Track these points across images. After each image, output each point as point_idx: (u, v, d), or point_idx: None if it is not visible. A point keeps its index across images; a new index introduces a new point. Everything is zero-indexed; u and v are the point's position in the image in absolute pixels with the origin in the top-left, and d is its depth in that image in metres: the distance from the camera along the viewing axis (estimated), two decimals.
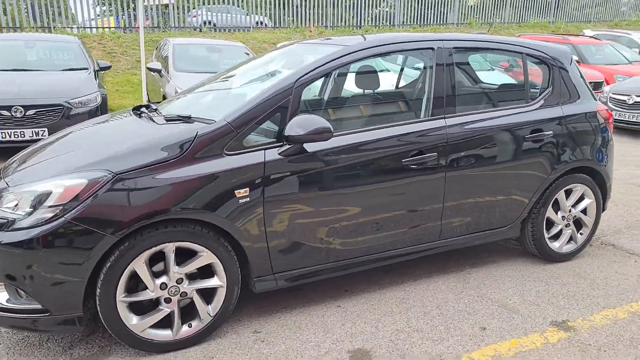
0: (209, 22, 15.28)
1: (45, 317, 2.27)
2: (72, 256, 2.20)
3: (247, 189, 2.44)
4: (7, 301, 2.30)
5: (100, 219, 2.21)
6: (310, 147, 2.54)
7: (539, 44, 3.39)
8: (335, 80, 3.03)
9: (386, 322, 2.72)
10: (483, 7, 19.22)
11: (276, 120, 2.55)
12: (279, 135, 2.54)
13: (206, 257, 2.43)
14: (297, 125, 2.45)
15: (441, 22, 18.78)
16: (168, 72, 7.71)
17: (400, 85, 3.04)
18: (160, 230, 2.31)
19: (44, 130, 6.22)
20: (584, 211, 3.51)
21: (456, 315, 2.79)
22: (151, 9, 14.89)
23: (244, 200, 2.43)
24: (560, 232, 3.45)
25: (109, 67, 7.82)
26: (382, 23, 17.89)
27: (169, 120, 2.72)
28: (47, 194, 2.21)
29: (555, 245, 3.44)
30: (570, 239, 3.50)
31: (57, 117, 6.29)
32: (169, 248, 2.36)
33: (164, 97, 7.47)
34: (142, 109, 3.08)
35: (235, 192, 2.42)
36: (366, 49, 2.81)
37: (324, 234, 2.67)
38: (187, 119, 2.64)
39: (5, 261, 2.22)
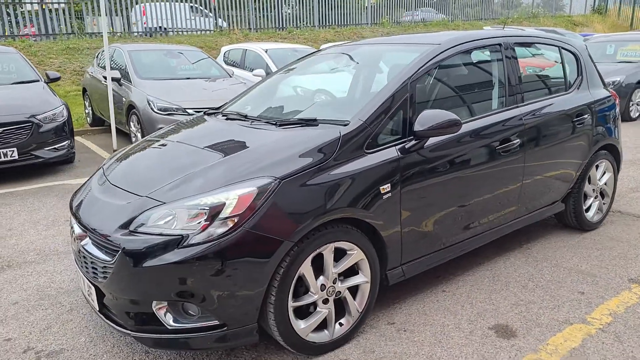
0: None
1: (223, 332, 2.19)
2: (253, 266, 2.14)
3: (389, 184, 2.53)
4: (174, 322, 2.18)
5: (275, 226, 2.18)
6: (431, 139, 2.69)
7: (566, 38, 3.84)
8: (434, 76, 3.18)
9: (498, 299, 2.94)
10: (390, 7, 20.30)
11: (399, 117, 2.65)
12: (404, 131, 2.65)
13: (356, 254, 2.48)
14: (426, 120, 2.58)
15: (356, 23, 19.55)
16: (131, 81, 7.28)
17: (482, 79, 3.28)
18: (322, 232, 2.32)
19: (13, 150, 5.61)
20: (606, 183, 4.03)
21: (550, 285, 3.10)
22: (36, 14, 13.65)
23: (387, 195, 2.52)
24: (591, 204, 3.94)
25: (58, 78, 7.20)
26: (303, 24, 18.17)
27: (287, 124, 2.70)
28: (222, 205, 2.12)
29: (589, 215, 3.92)
30: (598, 209, 4.00)
31: (26, 135, 5.72)
32: (329, 249, 2.37)
33: (131, 107, 7.07)
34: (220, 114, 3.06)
35: (380, 188, 2.49)
36: (456, 46, 3.01)
37: (444, 219, 2.84)
38: (312, 122, 2.65)
39: (179, 279, 2.10)
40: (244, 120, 2.99)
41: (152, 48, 8.51)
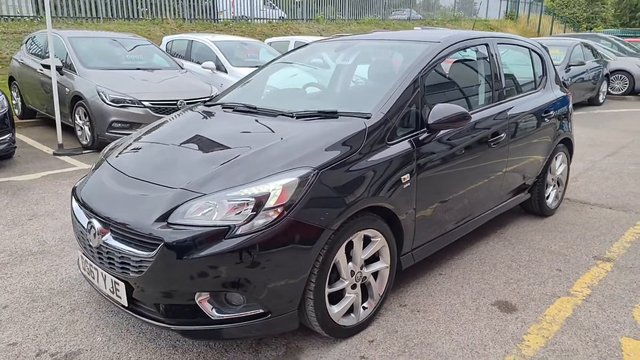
0: None
1: (267, 320, 2.22)
2: (297, 254, 2.20)
3: (408, 174, 2.68)
4: (217, 312, 2.18)
5: (316, 215, 2.25)
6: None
7: (533, 40, 4.22)
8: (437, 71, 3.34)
9: (490, 279, 3.21)
10: (323, 5, 20.59)
11: (413, 110, 2.81)
12: (416, 124, 2.81)
13: (380, 241, 2.61)
14: (439, 113, 2.76)
15: (291, 18, 19.62)
16: (74, 70, 6.85)
17: (475, 75, 3.52)
18: (354, 220, 2.42)
19: None
20: (561, 173, 4.48)
21: (530, 264, 3.43)
22: None
23: (407, 184, 2.67)
24: (550, 192, 4.36)
25: None
26: (239, 18, 17.91)
27: (306, 116, 2.76)
28: (267, 196, 2.15)
29: (549, 202, 4.34)
30: (555, 196, 4.44)
31: None
32: (359, 237, 2.48)
33: (77, 98, 6.67)
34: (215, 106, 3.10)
35: (402, 177, 2.64)
36: (454, 44, 3.21)
37: (447, 205, 3.04)
38: (332, 114, 2.73)
39: (227, 269, 2.11)
40: (255, 113, 3.00)
41: (93, 35, 8.05)
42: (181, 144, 2.74)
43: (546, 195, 4.28)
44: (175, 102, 6.54)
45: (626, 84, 12.79)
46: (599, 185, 5.32)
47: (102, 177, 2.66)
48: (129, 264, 2.24)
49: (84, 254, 2.57)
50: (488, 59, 3.48)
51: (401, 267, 2.85)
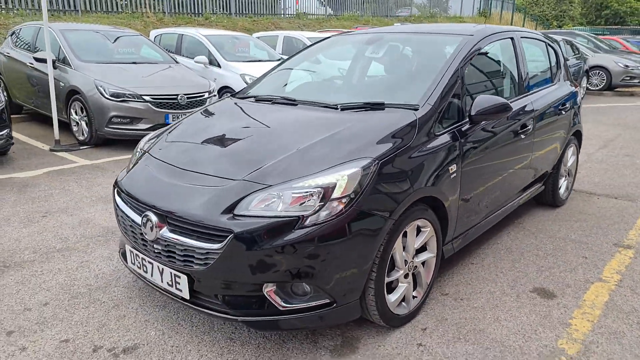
0: None
1: (332, 310, 2.24)
2: (363, 244, 2.22)
3: (455, 164, 2.73)
4: (285, 302, 2.18)
5: (380, 204, 2.27)
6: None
7: (547, 35, 4.33)
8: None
9: (522, 267, 3.30)
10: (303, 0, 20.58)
11: (455, 101, 2.85)
12: (458, 115, 2.86)
13: (429, 231, 2.65)
14: (482, 104, 2.81)
15: (272, 12, 19.50)
16: (69, 64, 6.66)
17: (504, 68, 3.59)
18: (410, 210, 2.45)
19: None
20: (572, 164, 4.63)
21: (556, 252, 3.53)
22: None
23: (453, 175, 2.72)
24: (562, 183, 4.50)
25: None
26: (220, 11, 17.69)
27: (351, 108, 2.77)
28: (333, 186, 2.16)
29: (561, 192, 4.48)
30: (566, 187, 4.59)
31: None
32: (413, 226, 2.52)
33: (73, 92, 6.50)
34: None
35: (449, 167, 2.69)
36: (486, 37, 3.27)
37: (484, 194, 3.11)
38: (379, 106, 2.75)
39: (297, 260, 2.11)
40: (295, 105, 2.99)
41: (86, 28, 7.83)
42: (228, 135, 2.72)
43: (559, 186, 4.41)
44: (175, 96, 6.44)
45: (604, 79, 13.24)
46: (600, 177, 5.51)
47: (151, 170, 2.61)
48: (192, 257, 2.22)
49: (134, 247, 2.53)
50: (514, 52, 3.56)
51: (444, 256, 2.90)
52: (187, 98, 6.53)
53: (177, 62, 7.64)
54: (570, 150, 4.51)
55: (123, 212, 2.60)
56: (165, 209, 2.32)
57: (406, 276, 2.56)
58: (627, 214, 4.34)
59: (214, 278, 2.20)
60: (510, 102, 3.33)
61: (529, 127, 3.48)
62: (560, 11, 42.11)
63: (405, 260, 2.53)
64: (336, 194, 2.17)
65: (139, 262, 2.52)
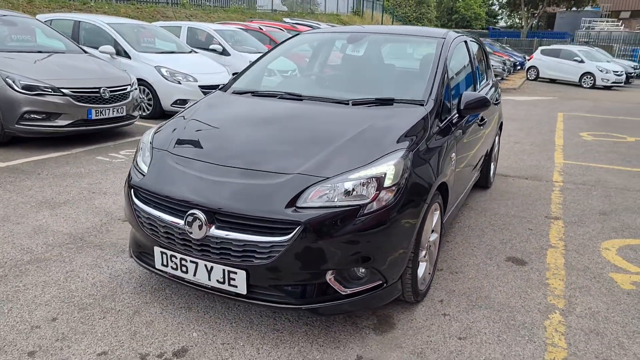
0: None
1: (382, 290, 2.42)
2: (409, 226, 2.44)
3: (454, 152, 3.07)
4: (345, 287, 2.32)
5: (418, 190, 2.51)
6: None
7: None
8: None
9: (488, 241, 3.78)
10: None
11: (445, 97, 3.18)
12: (449, 109, 3.19)
13: (438, 213, 2.96)
14: (468, 99, 3.19)
15: (156, 1, 18.49)
16: None
17: (468, 66, 4.00)
18: (434, 195, 2.73)
19: None
20: (497, 151, 5.33)
21: (508, 226, 4.10)
22: None
23: (453, 161, 3.05)
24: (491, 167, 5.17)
25: None
26: None
27: (362, 104, 2.95)
28: (383, 175, 2.34)
29: (491, 175, 5.14)
30: (493, 171, 5.27)
31: None
32: (433, 208, 2.80)
33: None
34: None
35: (451, 155, 3.01)
36: (455, 38, 3.67)
37: (462, 179, 3.50)
38: (388, 101, 2.97)
39: (360, 246, 2.26)
40: (301, 100, 3.08)
41: None
42: (257, 130, 2.73)
43: (490, 169, 5.05)
44: (97, 89, 5.95)
45: None
46: (506, 162, 6.38)
47: (183, 168, 2.51)
48: (253, 252, 2.23)
49: (167, 249, 2.43)
50: (468, 53, 4.03)
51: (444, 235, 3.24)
52: (110, 92, 6.07)
53: (85, 52, 7.00)
54: (497, 138, 5.19)
55: (148, 213, 2.48)
56: (216, 207, 2.28)
57: (425, 255, 2.84)
58: (541, 191, 5.15)
59: (277, 270, 2.24)
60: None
61: (485, 119, 3.97)
62: (420, 14, 45.95)
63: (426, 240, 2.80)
64: (387, 183, 2.35)
65: (174, 264, 2.43)
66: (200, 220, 2.28)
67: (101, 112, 5.96)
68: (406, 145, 2.56)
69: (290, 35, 4.00)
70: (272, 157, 2.49)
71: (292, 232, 2.19)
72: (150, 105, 7.93)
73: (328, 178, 2.32)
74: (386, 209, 2.31)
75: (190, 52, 8.99)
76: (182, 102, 7.85)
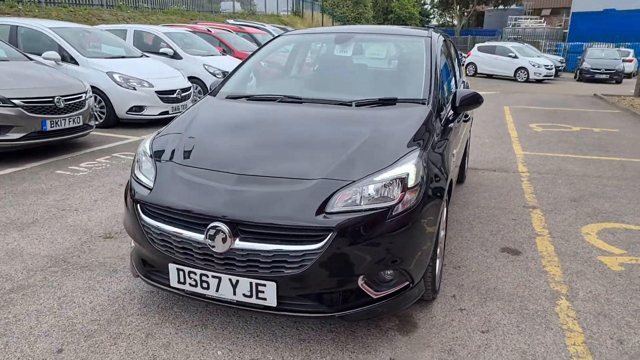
0: None
1: (409, 291, 2.41)
2: (431, 224, 2.44)
3: (454, 149, 3.11)
4: (376, 291, 2.29)
5: (435, 187, 2.52)
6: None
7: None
8: None
9: (479, 233, 3.88)
10: None
11: (440, 94, 3.23)
12: (445, 106, 3.24)
13: (445, 210, 2.98)
14: (462, 97, 3.25)
15: (89, 3, 17.61)
16: None
17: (448, 65, 4.07)
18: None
19: None
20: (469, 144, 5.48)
21: (491, 218, 4.22)
22: None
23: (453, 157, 3.10)
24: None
25: None
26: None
27: (366, 104, 2.93)
28: (406, 176, 2.32)
29: (465, 168, 5.28)
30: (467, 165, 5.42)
31: None
32: (444, 203, 2.82)
33: None
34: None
35: (453, 152, 3.06)
36: (437, 39, 3.72)
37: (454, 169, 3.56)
38: (391, 101, 2.96)
39: (391, 248, 2.24)
40: (300, 103, 3.02)
41: None
42: (267, 135, 2.64)
43: (466, 163, 5.20)
44: (51, 99, 5.55)
45: None
46: (473, 155, 6.59)
47: (197, 179, 2.37)
48: (284, 262, 2.15)
49: (184, 265, 2.29)
50: (448, 52, 4.11)
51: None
52: (65, 101, 5.68)
53: (30, 59, 6.52)
54: (470, 133, 5.34)
55: (160, 229, 2.33)
56: (241, 218, 2.18)
57: (439, 252, 2.86)
58: (512, 182, 5.35)
59: (308, 279, 2.17)
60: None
61: (468, 114, 4.07)
62: (358, 14, 46.71)
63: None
64: (410, 183, 2.33)
65: (193, 280, 2.30)
66: (224, 233, 2.16)
67: (57, 123, 5.57)
68: (420, 145, 2.56)
69: (273, 37, 3.91)
70: (288, 163, 2.41)
71: (324, 239, 2.13)
72: (103, 113, 7.52)
73: (354, 181, 2.27)
74: (411, 209, 2.30)
75: (142, 56, 8.60)
76: (139, 109, 7.52)
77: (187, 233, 2.27)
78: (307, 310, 2.24)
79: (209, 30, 12.41)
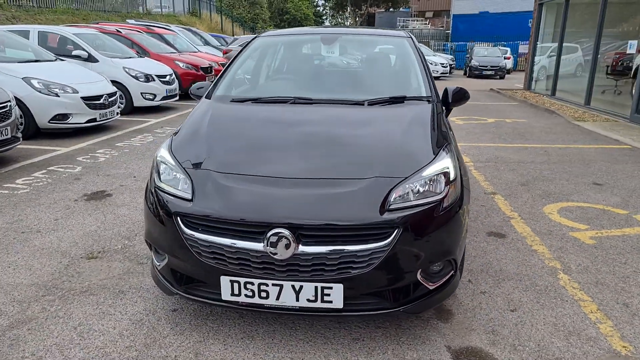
0: None
1: (454, 280, 2.51)
2: (466, 214, 2.56)
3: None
4: (431, 282, 2.37)
5: (464, 178, 2.66)
6: None
7: None
8: None
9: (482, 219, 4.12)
10: None
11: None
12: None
13: None
14: (453, 92, 3.43)
15: None
16: None
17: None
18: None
19: None
20: None
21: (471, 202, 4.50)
22: None
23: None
24: None
25: None
26: None
27: (378, 103, 3.00)
28: (448, 171, 2.43)
29: None
30: None
31: None
32: None
33: None
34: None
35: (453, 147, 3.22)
36: (411, 37, 3.89)
37: None
38: (400, 100, 3.05)
39: (446, 239, 2.33)
40: (312, 104, 3.00)
41: None
42: (296, 139, 2.62)
43: None
44: None
45: None
46: None
47: (241, 187, 2.27)
48: (351, 262, 2.14)
49: (239, 276, 2.19)
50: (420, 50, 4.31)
51: None
52: None
53: None
54: None
55: (210, 242, 2.19)
56: (303, 222, 2.13)
57: None
58: None
59: (375, 277, 2.18)
60: None
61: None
62: (255, 14, 46.52)
63: None
64: (451, 176, 2.44)
65: (250, 291, 2.20)
66: (287, 239, 2.10)
67: None
68: (447, 140, 2.69)
69: (252, 37, 3.81)
70: (334, 164, 2.41)
71: (390, 236, 2.15)
72: (20, 123, 6.72)
73: (406, 178, 2.32)
74: (455, 201, 2.41)
75: (56, 59, 7.83)
76: (63, 117, 6.86)
77: (242, 243, 2.16)
78: (372, 308, 2.25)
79: (118, 30, 11.62)
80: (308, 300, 2.18)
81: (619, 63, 10.90)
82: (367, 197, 2.22)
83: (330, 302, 2.18)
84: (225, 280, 2.21)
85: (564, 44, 12.95)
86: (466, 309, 2.76)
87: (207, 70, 12.28)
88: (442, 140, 2.68)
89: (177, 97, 10.42)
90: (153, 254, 2.57)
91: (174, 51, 12.72)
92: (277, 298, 2.19)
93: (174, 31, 15.76)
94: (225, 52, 17.30)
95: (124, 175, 5.29)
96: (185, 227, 2.25)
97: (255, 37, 3.88)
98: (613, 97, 10.74)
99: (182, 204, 2.29)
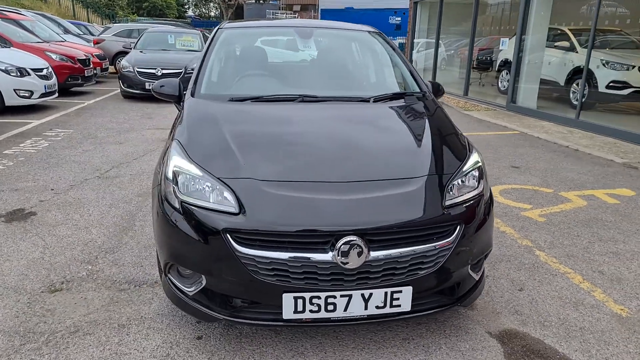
0: None
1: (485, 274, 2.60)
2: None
3: None
4: (476, 274, 2.42)
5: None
6: None
7: None
8: None
9: None
10: None
11: None
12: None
13: None
14: (432, 86, 3.53)
15: None
16: None
17: None
18: None
19: None
20: None
21: None
22: None
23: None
24: None
25: None
26: None
27: (382, 99, 2.97)
28: (480, 165, 2.50)
29: None
30: None
31: None
32: None
33: None
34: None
35: None
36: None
37: None
38: (400, 95, 3.06)
39: (490, 229, 2.39)
40: (318, 101, 2.88)
41: None
42: (328, 140, 2.50)
43: None
44: None
45: None
46: None
47: (298, 195, 2.08)
48: (420, 263, 2.10)
49: (304, 291, 2.01)
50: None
51: None
52: None
53: None
54: None
55: (270, 258, 1.98)
56: (373, 226, 2.02)
57: None
58: None
59: (439, 275, 2.16)
60: None
61: None
62: (111, 1, 42.96)
63: None
64: (484, 170, 2.52)
65: (316, 305, 2.03)
66: (360, 246, 1.98)
67: None
68: (461, 133, 2.76)
69: (215, 29, 3.46)
70: (373, 164, 2.36)
71: (454, 232, 2.15)
72: None
73: (454, 174, 2.34)
74: (489, 194, 2.49)
75: None
76: None
77: (306, 255, 1.99)
78: (435, 306, 2.24)
79: None
80: (377, 307, 2.09)
81: (484, 58, 12.35)
82: (428, 196, 2.18)
83: (399, 305, 2.11)
84: (288, 298, 2.01)
85: (426, 40, 14.22)
86: (489, 297, 2.87)
87: (86, 62, 11.01)
88: (460, 134, 2.74)
89: (57, 95, 9.16)
90: (175, 279, 2.24)
91: (40, 40, 11.17)
92: (345, 309, 2.06)
93: (27, 16, 13.77)
94: (96, 42, 15.68)
95: (36, 188, 4.51)
96: (237, 244, 1.99)
97: (218, 28, 3.55)
98: (480, 88, 12.16)
99: (230, 219, 2.02)
